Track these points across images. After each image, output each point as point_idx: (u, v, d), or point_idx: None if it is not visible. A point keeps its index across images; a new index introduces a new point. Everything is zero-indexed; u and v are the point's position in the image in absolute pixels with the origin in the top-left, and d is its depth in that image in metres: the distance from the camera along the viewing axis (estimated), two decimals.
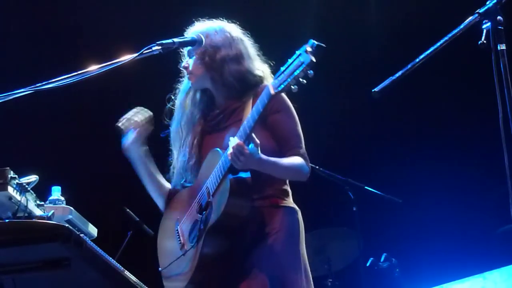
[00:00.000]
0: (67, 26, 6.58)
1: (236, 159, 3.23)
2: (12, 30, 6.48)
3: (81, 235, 2.71)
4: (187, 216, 3.56)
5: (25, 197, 2.93)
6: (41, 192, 3.29)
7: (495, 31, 2.86)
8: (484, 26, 2.89)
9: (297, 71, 3.06)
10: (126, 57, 3.28)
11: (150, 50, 3.39)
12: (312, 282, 3.47)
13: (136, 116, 3.80)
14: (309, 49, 3.04)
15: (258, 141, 3.27)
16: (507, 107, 2.77)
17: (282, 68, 3.15)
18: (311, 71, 3.04)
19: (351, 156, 7.20)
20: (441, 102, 7.04)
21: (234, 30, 3.72)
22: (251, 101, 3.53)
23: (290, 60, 3.12)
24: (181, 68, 3.74)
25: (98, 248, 2.85)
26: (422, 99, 7.03)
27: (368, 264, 6.23)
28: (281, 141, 3.51)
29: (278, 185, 3.54)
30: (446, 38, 2.94)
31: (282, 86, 3.11)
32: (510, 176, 2.78)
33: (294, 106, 3.60)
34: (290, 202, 3.56)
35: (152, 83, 4.16)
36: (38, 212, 3.07)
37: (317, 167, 6.11)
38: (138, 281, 3.23)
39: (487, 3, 2.89)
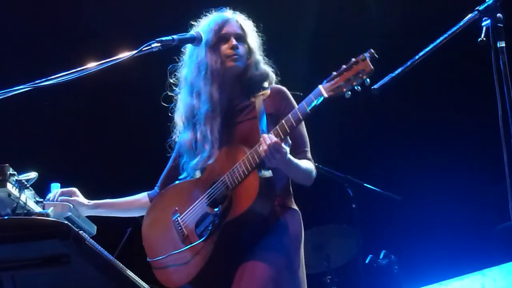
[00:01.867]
0: (67, 23, 6.57)
1: (272, 156, 3.23)
2: (11, 27, 6.47)
3: (80, 232, 2.71)
4: (192, 209, 3.50)
5: (24, 194, 2.92)
6: (41, 189, 3.29)
7: (494, 28, 2.87)
8: (483, 24, 2.89)
9: (354, 77, 3.14)
10: (126, 54, 3.28)
11: (150, 47, 3.39)
12: (306, 283, 3.48)
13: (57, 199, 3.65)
14: (368, 58, 3.13)
15: (290, 142, 3.32)
16: (507, 104, 2.78)
17: (335, 73, 3.19)
18: (368, 80, 3.12)
19: (351, 153, 7.19)
20: (440, 99, 7.03)
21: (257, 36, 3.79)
22: (261, 100, 3.58)
23: (344, 66, 3.17)
24: (230, 48, 3.62)
25: (97, 245, 2.85)
26: (421, 96, 7.02)
27: (367, 261, 6.24)
28: (292, 143, 3.47)
29: (285, 185, 3.57)
30: (445, 35, 2.94)
31: (337, 90, 3.17)
32: (509, 174, 2.78)
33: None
34: (293, 203, 3.59)
35: (152, 80, 4.13)
36: (37, 209, 3.07)
37: (316, 164, 6.10)
38: (137, 277, 3.23)
39: (487, 0, 2.90)
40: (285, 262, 3.36)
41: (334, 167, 6.28)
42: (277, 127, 3.30)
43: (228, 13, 3.76)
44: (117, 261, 3.04)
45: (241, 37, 3.68)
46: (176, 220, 3.54)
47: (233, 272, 3.36)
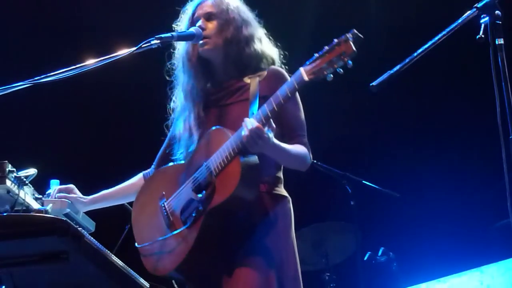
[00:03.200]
0: (66, 19, 6.57)
1: (253, 142, 3.12)
2: (11, 24, 6.47)
3: (79, 228, 2.71)
4: (178, 194, 3.42)
5: (23, 190, 2.93)
6: (40, 186, 3.29)
7: (493, 25, 2.87)
8: (482, 21, 2.90)
9: (336, 59, 3.00)
10: (125, 51, 3.28)
11: (149, 44, 3.38)
12: (299, 272, 3.40)
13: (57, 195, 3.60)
14: (351, 38, 2.98)
15: (274, 126, 3.18)
16: (505, 101, 2.78)
17: (317, 54, 3.06)
18: (350, 62, 2.99)
19: (349, 150, 7.20)
20: (439, 97, 7.04)
21: (249, 12, 3.67)
22: (256, 82, 3.46)
23: (327, 47, 3.04)
24: (197, 29, 3.54)
25: (96, 242, 2.85)
26: (420, 94, 7.03)
27: (365, 258, 6.24)
28: (285, 128, 3.41)
29: (274, 172, 3.47)
30: (444, 32, 2.94)
31: (318, 73, 3.04)
32: (508, 171, 2.78)
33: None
34: (283, 190, 3.49)
35: (151, 77, 4.13)
36: (36, 205, 3.07)
37: (315, 161, 6.11)
38: (136, 274, 3.24)
39: None
40: (275, 263, 3.29)
41: (332, 164, 6.28)
42: (259, 111, 3.20)
43: None
44: (116, 258, 3.04)
45: (213, 15, 3.57)
46: (163, 205, 3.46)
47: (220, 266, 3.30)
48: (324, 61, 3.03)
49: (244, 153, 3.21)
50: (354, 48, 2.97)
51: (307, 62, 3.09)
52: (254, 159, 3.24)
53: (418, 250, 6.73)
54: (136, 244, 3.52)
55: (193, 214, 3.28)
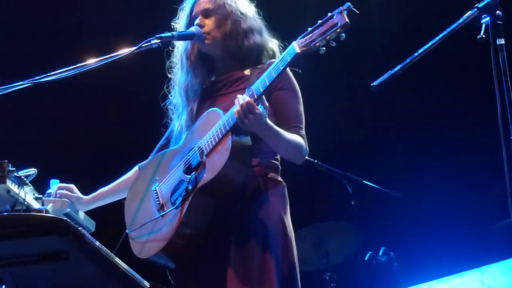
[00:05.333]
0: (66, 19, 6.57)
1: (244, 117, 3.08)
2: (12, 24, 6.47)
3: (79, 228, 2.71)
4: (169, 177, 3.39)
5: (24, 190, 2.92)
6: (40, 185, 3.29)
7: (494, 25, 2.86)
8: (483, 21, 2.89)
9: (329, 31, 3.00)
10: (125, 51, 3.28)
11: (149, 43, 3.39)
12: (296, 265, 3.34)
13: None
14: (344, 11, 3.00)
15: (267, 104, 3.16)
16: (506, 102, 2.78)
17: (310, 28, 3.08)
18: (343, 34, 3.00)
19: (350, 150, 7.19)
20: (440, 97, 7.03)
21: (250, 4, 3.67)
22: (256, 73, 3.41)
23: (320, 21, 3.06)
24: (194, 27, 3.55)
25: (96, 241, 2.85)
26: (421, 94, 7.02)
27: (366, 258, 6.24)
28: (283, 118, 3.37)
29: (270, 157, 3.41)
30: (445, 32, 2.94)
31: (311, 45, 3.04)
32: (508, 171, 2.78)
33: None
34: (279, 176, 3.43)
35: (152, 77, 4.13)
36: (36, 205, 3.07)
37: (315, 161, 6.12)
38: (136, 274, 3.23)
39: None
40: (271, 246, 3.22)
41: (333, 164, 6.28)
42: (251, 87, 3.18)
43: None
44: (116, 258, 3.04)
45: (210, 11, 3.56)
46: (155, 189, 3.44)
47: (211, 251, 3.24)
48: (316, 34, 3.05)
49: (237, 132, 3.18)
50: (347, 20, 2.99)
51: (300, 36, 3.11)
52: (247, 139, 3.21)
53: (418, 250, 6.73)
54: (127, 230, 3.48)
55: (183, 194, 3.25)
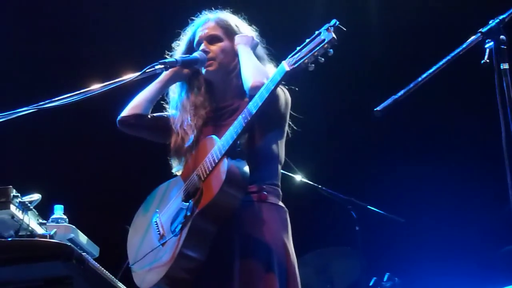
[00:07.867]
0: (70, 46, 6.60)
1: None
2: (15, 50, 6.50)
3: (83, 253, 2.70)
4: (169, 207, 3.42)
5: (28, 215, 2.92)
6: (44, 211, 3.28)
7: (498, 50, 2.86)
8: (487, 46, 2.89)
9: (317, 48, 3.07)
10: (129, 76, 3.29)
11: (153, 68, 3.40)
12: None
13: None
14: (331, 28, 3.06)
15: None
16: (510, 127, 2.77)
17: (299, 47, 3.14)
18: (331, 50, 3.06)
19: (354, 175, 7.19)
20: (444, 121, 7.03)
21: (255, 31, 3.71)
22: None
23: (308, 39, 3.12)
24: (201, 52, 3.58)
25: (100, 267, 2.84)
26: (425, 118, 7.03)
27: (371, 284, 6.20)
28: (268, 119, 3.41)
29: (269, 183, 3.41)
30: (448, 57, 2.94)
31: (299, 62, 3.10)
32: None
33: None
34: (279, 201, 3.43)
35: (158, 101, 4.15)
36: (40, 230, 3.06)
37: (319, 186, 6.11)
38: None
39: (490, 22, 2.90)
40: (273, 264, 3.21)
41: (337, 189, 6.27)
42: (247, 107, 3.25)
43: (203, 16, 3.71)
44: (121, 283, 3.03)
45: (215, 37, 3.61)
46: (155, 221, 3.46)
47: (212, 276, 3.22)
48: (305, 52, 3.11)
49: (232, 156, 3.22)
50: (334, 35, 3.04)
51: (289, 56, 3.18)
52: (243, 163, 3.24)
53: (423, 275, 6.70)
54: (129, 264, 3.49)
55: (182, 221, 3.26)
